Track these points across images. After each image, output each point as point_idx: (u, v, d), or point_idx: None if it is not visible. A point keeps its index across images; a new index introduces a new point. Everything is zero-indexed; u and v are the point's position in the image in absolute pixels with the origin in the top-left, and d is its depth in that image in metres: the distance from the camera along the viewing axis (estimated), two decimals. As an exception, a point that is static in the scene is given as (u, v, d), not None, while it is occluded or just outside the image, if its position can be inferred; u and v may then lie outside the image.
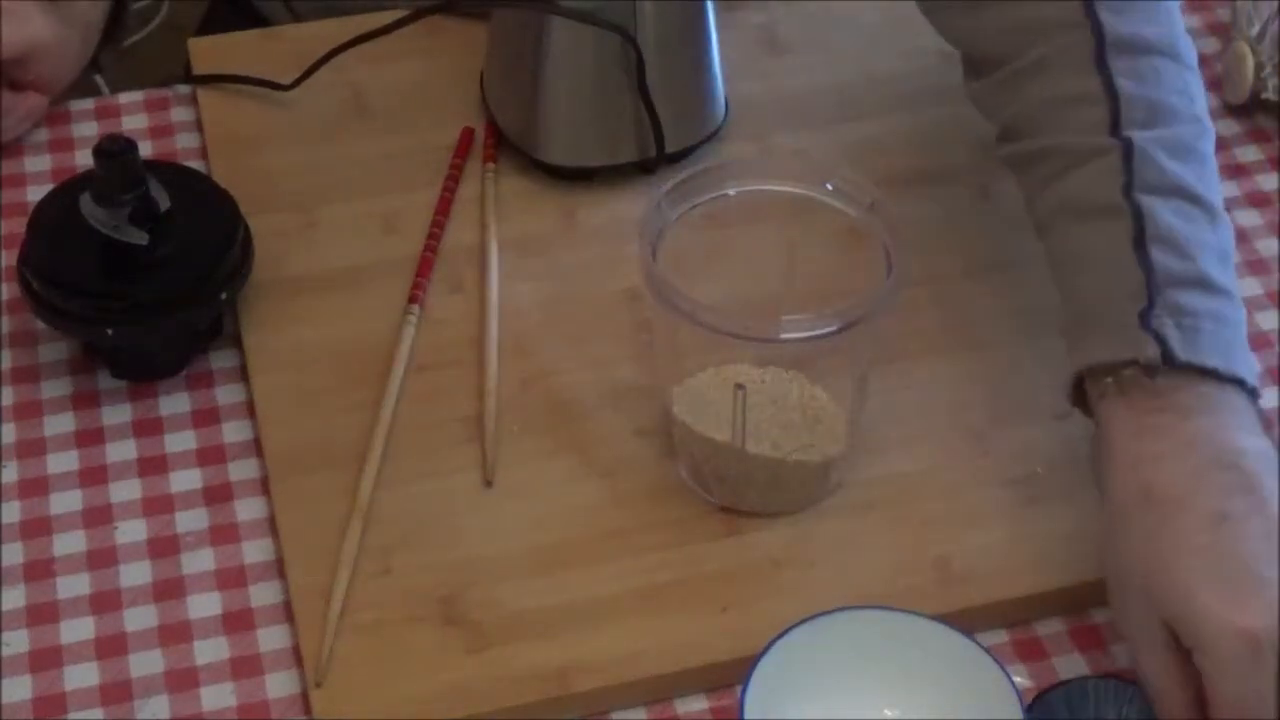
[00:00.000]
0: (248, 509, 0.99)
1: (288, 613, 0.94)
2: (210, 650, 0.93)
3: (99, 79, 1.26)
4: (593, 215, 1.14)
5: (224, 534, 0.98)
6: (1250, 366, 0.91)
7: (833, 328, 0.91)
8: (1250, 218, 1.16)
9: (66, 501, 0.99)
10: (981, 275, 1.10)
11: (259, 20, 1.40)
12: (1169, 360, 0.89)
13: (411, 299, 1.07)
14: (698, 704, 0.92)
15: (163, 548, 0.97)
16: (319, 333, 1.07)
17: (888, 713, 0.89)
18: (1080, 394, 0.93)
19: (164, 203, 1.02)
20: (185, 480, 1.00)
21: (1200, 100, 0.99)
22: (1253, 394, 0.90)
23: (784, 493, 0.97)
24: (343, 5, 1.27)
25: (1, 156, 1.18)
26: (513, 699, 0.90)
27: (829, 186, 0.97)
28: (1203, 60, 1.27)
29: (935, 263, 1.09)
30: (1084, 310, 0.94)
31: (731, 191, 0.98)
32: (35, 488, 1.00)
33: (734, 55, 1.18)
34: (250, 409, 1.04)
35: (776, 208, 0.98)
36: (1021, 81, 1.00)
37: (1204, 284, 0.92)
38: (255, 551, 0.97)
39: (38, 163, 1.18)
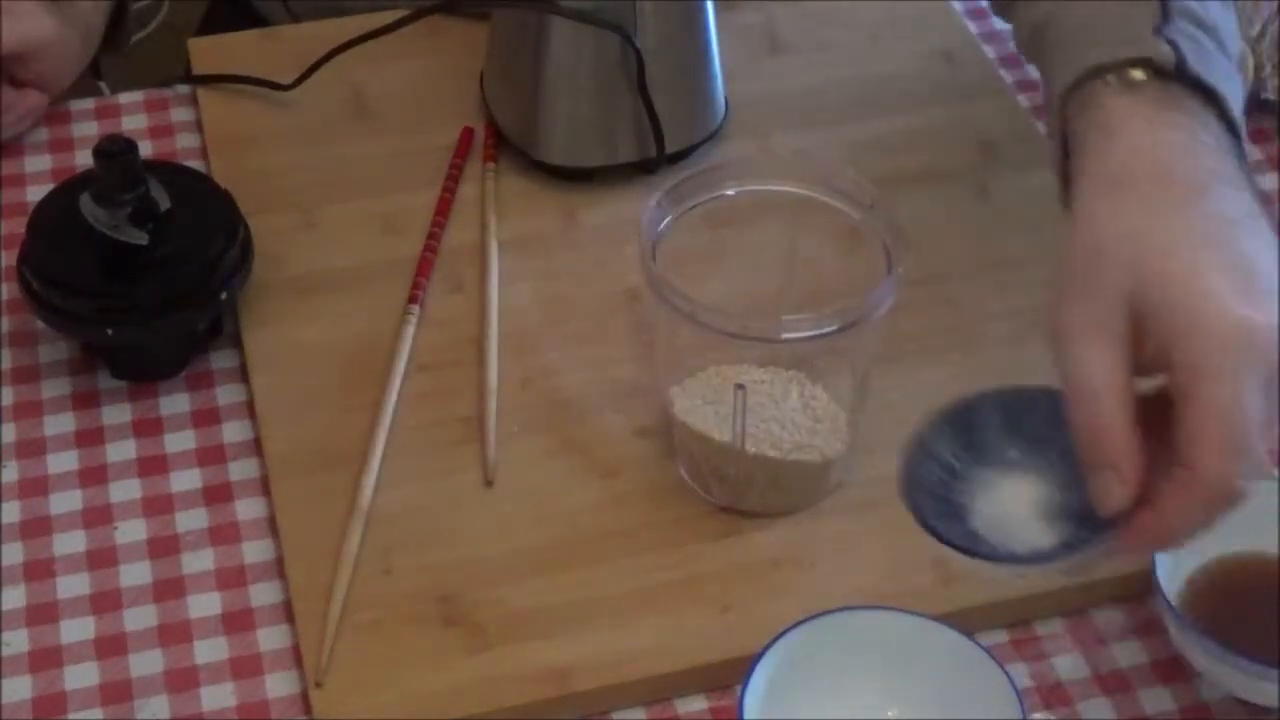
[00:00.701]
0: (248, 509, 0.99)
1: (288, 613, 0.94)
2: (210, 650, 0.93)
3: (101, 85, 1.27)
4: (593, 215, 1.14)
5: (224, 534, 0.98)
6: (1243, 129, 0.88)
7: (833, 328, 0.91)
8: (1250, 218, 1.16)
9: (66, 501, 0.99)
10: (981, 275, 1.10)
11: (258, 20, 1.40)
12: (1181, 68, 0.85)
13: (411, 299, 1.07)
14: (698, 704, 0.92)
15: (163, 548, 0.97)
16: (319, 333, 1.07)
17: (888, 713, 0.89)
18: (1062, 127, 0.88)
19: (164, 203, 1.02)
20: (185, 480, 1.00)
21: None
22: (1242, 155, 0.87)
23: (784, 493, 0.97)
24: (340, 5, 1.27)
25: (1, 156, 1.18)
26: (513, 699, 0.90)
27: (829, 186, 0.97)
28: (1203, 60, 1.27)
29: (935, 263, 1.09)
30: (1087, 30, 0.89)
31: (731, 191, 0.98)
32: (35, 488, 1.00)
33: (734, 55, 1.18)
34: (250, 409, 1.04)
35: (776, 208, 0.98)
36: None
37: (1216, 35, 0.89)
38: (255, 551, 0.97)
39: (38, 163, 1.18)
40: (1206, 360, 0.75)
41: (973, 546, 0.79)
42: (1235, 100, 0.89)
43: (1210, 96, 0.87)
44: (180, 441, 1.02)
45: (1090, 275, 0.79)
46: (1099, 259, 0.79)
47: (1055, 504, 0.79)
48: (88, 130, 1.20)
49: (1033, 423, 0.81)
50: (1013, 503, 0.80)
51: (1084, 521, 0.78)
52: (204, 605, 0.95)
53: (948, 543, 0.79)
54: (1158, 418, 0.76)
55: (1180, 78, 0.87)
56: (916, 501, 0.81)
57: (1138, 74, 0.86)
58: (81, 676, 0.92)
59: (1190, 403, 0.75)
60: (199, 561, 0.97)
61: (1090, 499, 0.77)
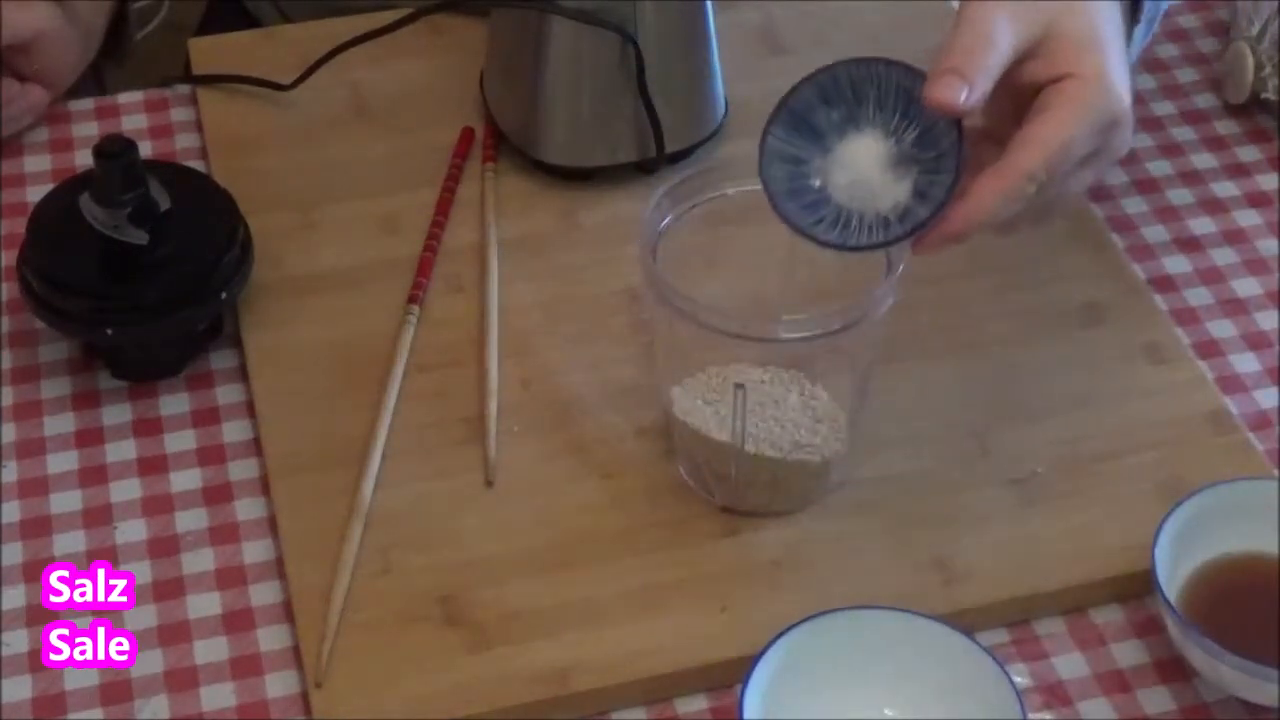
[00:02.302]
0: (248, 509, 0.99)
1: (288, 613, 0.94)
2: (210, 650, 0.93)
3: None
4: (593, 215, 1.14)
5: (224, 534, 0.98)
6: None
7: (833, 328, 0.91)
8: (1250, 218, 1.16)
9: (66, 501, 0.99)
10: (981, 275, 1.10)
11: (256, 21, 1.40)
12: None
13: (411, 299, 1.07)
14: (698, 704, 0.92)
15: (163, 548, 0.97)
16: (319, 333, 1.07)
17: (888, 713, 0.89)
18: None
19: (164, 203, 1.02)
20: (185, 480, 1.00)
21: None
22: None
23: (784, 493, 0.97)
24: (332, 6, 1.27)
25: (2, 156, 1.18)
26: (513, 699, 0.90)
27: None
28: (1203, 60, 1.28)
29: (935, 263, 1.08)
30: None
31: (731, 191, 0.98)
32: (35, 488, 1.00)
33: (734, 55, 1.18)
34: (250, 409, 1.04)
35: (776, 208, 0.98)
36: None
37: None
38: (255, 551, 0.97)
39: (38, 163, 1.18)
40: (1081, 98, 0.88)
41: (843, 241, 0.89)
42: None
43: None
44: (180, 441, 1.02)
45: None
46: None
47: (896, 153, 0.89)
48: (88, 130, 1.20)
49: (846, 96, 0.89)
50: (864, 164, 0.89)
51: (922, 164, 0.88)
52: (204, 605, 0.95)
53: (824, 243, 0.89)
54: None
55: None
56: (788, 212, 0.89)
57: None
58: (81, 676, 0.92)
59: (1042, 116, 0.88)
60: (199, 561, 0.97)
61: (926, 96, 0.86)
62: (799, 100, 0.90)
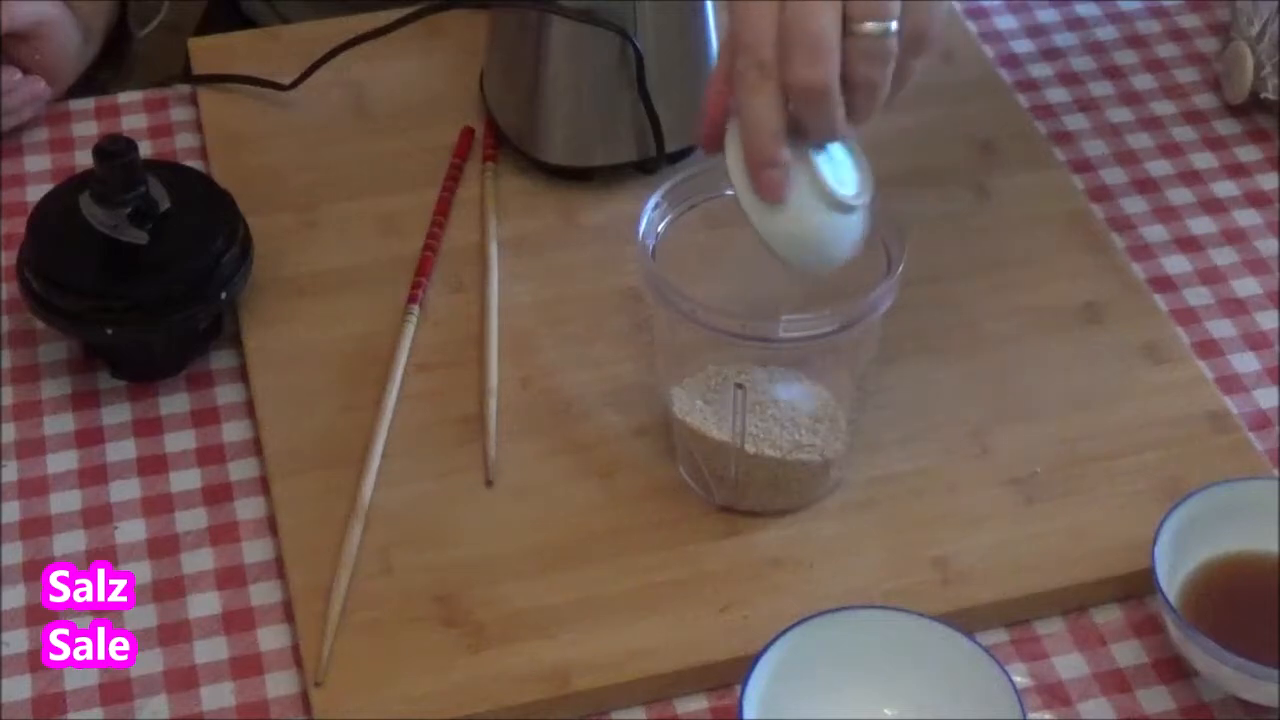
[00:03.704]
0: (248, 509, 0.99)
1: (288, 612, 0.94)
2: (210, 650, 0.93)
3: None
4: (593, 215, 1.14)
5: (224, 534, 0.98)
6: None
7: (833, 327, 0.91)
8: (1250, 218, 1.16)
9: (66, 501, 0.99)
10: (981, 275, 1.10)
11: (253, 24, 1.40)
12: None
13: (411, 299, 1.07)
14: (698, 704, 0.92)
15: (163, 548, 0.97)
16: (319, 333, 1.07)
17: (888, 713, 0.89)
18: None
19: (164, 203, 1.03)
20: (185, 480, 1.00)
21: None
22: None
23: (784, 493, 0.97)
24: (328, 7, 1.27)
25: (2, 156, 1.18)
26: (513, 699, 0.90)
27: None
28: (1203, 60, 1.28)
29: (935, 263, 1.09)
30: None
31: (731, 191, 0.98)
32: (35, 487, 1.00)
33: (734, 55, 1.18)
34: (250, 409, 1.04)
35: (776, 207, 0.98)
36: None
37: None
38: (255, 551, 0.97)
39: (38, 163, 1.18)
40: None
41: None
42: None
43: None
44: (180, 441, 1.02)
45: None
46: None
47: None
48: (88, 130, 1.20)
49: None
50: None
51: None
52: (204, 605, 0.95)
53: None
54: None
55: None
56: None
57: None
58: (81, 676, 0.92)
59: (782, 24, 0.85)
60: (199, 561, 0.97)
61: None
62: None
